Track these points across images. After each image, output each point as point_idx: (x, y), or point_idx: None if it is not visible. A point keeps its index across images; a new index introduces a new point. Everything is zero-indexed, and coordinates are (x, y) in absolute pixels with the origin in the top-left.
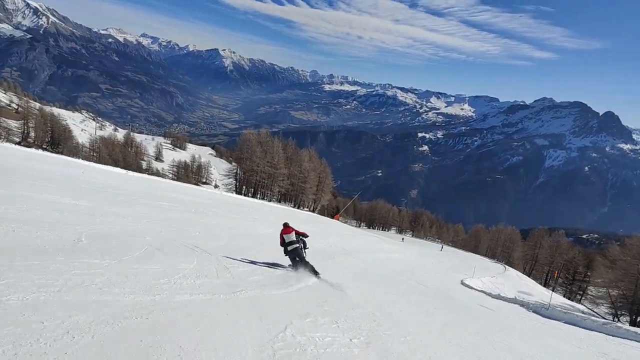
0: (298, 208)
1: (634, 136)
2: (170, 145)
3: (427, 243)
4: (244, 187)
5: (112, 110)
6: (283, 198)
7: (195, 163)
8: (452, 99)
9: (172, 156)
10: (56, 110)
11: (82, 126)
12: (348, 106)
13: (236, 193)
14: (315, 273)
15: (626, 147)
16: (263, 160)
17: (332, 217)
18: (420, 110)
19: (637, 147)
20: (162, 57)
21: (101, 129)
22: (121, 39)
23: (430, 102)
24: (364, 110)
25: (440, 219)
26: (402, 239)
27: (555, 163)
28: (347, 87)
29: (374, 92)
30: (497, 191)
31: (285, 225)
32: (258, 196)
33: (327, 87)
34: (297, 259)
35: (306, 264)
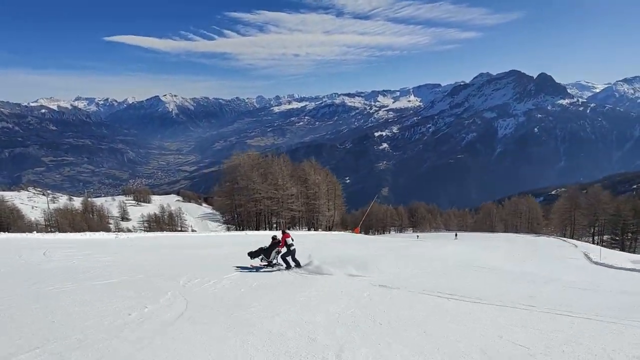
0: (314, 229)
1: (569, 90)
2: (134, 202)
3: (445, 235)
4: (240, 221)
5: (62, 181)
6: (292, 223)
7: (165, 213)
8: (398, 93)
9: (139, 212)
10: None
11: (31, 204)
12: (301, 123)
13: (237, 229)
14: (299, 266)
15: (565, 102)
16: (264, 185)
17: (353, 230)
18: (371, 111)
19: (574, 100)
20: (102, 117)
21: (54, 202)
22: (55, 107)
23: (378, 101)
24: (317, 123)
25: (436, 207)
26: (417, 236)
27: (507, 131)
28: (295, 105)
29: (322, 104)
30: (462, 170)
31: (284, 232)
32: (265, 228)
33: (276, 109)
34: (294, 256)
35: (296, 260)
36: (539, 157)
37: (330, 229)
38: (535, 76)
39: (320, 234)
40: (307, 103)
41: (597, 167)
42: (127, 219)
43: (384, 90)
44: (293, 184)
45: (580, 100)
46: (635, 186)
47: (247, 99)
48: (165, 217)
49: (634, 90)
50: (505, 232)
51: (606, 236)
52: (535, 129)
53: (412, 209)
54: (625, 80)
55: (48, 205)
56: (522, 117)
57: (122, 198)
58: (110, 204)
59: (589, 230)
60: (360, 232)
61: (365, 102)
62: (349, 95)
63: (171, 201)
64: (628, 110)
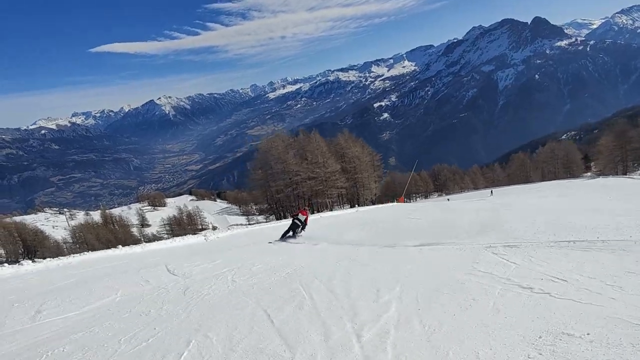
0: (358, 205)
1: (566, 30)
2: (150, 207)
3: (478, 193)
4: (280, 208)
5: (74, 198)
6: (338, 202)
7: (183, 214)
8: (391, 61)
9: (157, 217)
10: (17, 219)
11: (50, 224)
12: (298, 105)
13: (276, 219)
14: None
15: (563, 43)
16: (302, 165)
17: (397, 200)
18: (367, 83)
19: (573, 40)
20: (101, 129)
21: (72, 219)
22: (54, 127)
23: (373, 72)
24: (314, 103)
25: (457, 167)
26: (448, 199)
27: (508, 82)
28: (290, 88)
29: (317, 83)
30: (467, 128)
31: (304, 209)
32: (313, 210)
33: (271, 96)
34: (294, 229)
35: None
36: (544, 104)
37: (374, 203)
38: (529, 21)
39: (377, 208)
40: (301, 84)
41: (604, 105)
42: (147, 225)
43: (377, 60)
44: (334, 160)
45: (578, 39)
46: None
47: (242, 89)
48: (184, 217)
49: (632, 21)
50: (545, 180)
51: None
52: (536, 76)
53: (434, 173)
54: (623, 12)
55: (68, 223)
56: (521, 65)
57: (137, 205)
58: (127, 213)
59: None
60: (405, 201)
61: (360, 74)
62: (342, 70)
63: (186, 201)
64: (629, 42)
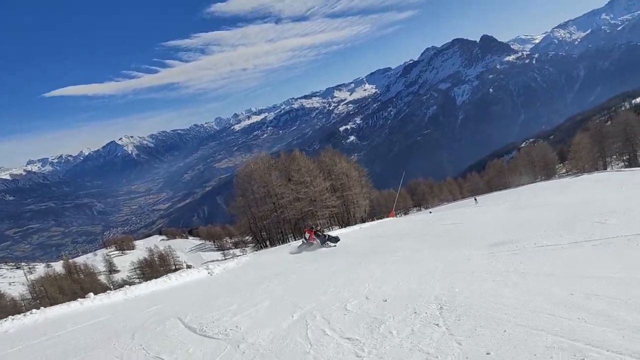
0: (351, 225)
1: (512, 46)
2: (118, 252)
3: (462, 203)
4: (267, 237)
5: (33, 251)
6: (330, 223)
7: (154, 255)
8: (352, 85)
9: (126, 261)
10: None
11: (7, 280)
12: (265, 135)
13: (260, 248)
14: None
15: (510, 58)
16: (288, 187)
17: (388, 215)
18: (331, 108)
19: (519, 54)
20: (60, 175)
21: (31, 273)
22: (7, 177)
23: (336, 97)
24: (280, 132)
25: (432, 180)
26: (430, 212)
27: (465, 98)
28: (255, 119)
29: (281, 112)
30: (431, 145)
31: (310, 228)
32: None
33: (237, 127)
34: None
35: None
36: (500, 115)
37: (364, 221)
38: (478, 40)
39: (371, 227)
40: (266, 114)
41: (555, 112)
42: (116, 271)
43: (338, 85)
44: (322, 178)
45: (524, 53)
46: (597, 121)
47: (206, 123)
48: (156, 259)
49: (569, 34)
50: (526, 184)
51: None
52: (491, 90)
53: (411, 188)
54: (560, 26)
55: (27, 278)
56: (475, 81)
57: (104, 251)
58: (93, 260)
59: (622, 158)
60: (395, 216)
61: (323, 100)
62: (305, 97)
63: (156, 242)
64: (569, 53)
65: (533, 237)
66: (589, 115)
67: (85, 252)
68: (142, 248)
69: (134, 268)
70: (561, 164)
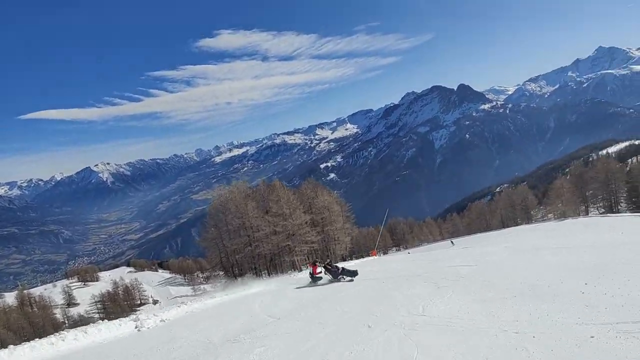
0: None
1: (487, 95)
2: (80, 283)
3: (439, 244)
4: (239, 272)
5: None
6: (310, 259)
7: (119, 288)
8: (335, 124)
9: (88, 293)
10: None
11: None
12: (245, 168)
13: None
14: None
15: (486, 107)
16: (265, 219)
17: (370, 254)
18: (312, 145)
19: (494, 103)
20: (27, 200)
21: None
22: None
23: (318, 134)
24: (261, 166)
25: (412, 220)
26: (408, 252)
27: (443, 142)
28: (236, 152)
29: (263, 146)
30: (409, 185)
31: (314, 263)
32: (276, 270)
33: (217, 159)
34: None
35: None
36: (476, 160)
37: (344, 259)
38: (455, 88)
39: (357, 265)
40: (247, 148)
41: (528, 160)
42: (75, 304)
43: (321, 123)
44: (302, 211)
45: (498, 103)
46: (567, 169)
47: (186, 154)
48: (120, 292)
49: (540, 88)
50: (508, 226)
51: (623, 204)
52: (467, 135)
53: (391, 227)
54: (531, 80)
55: None
56: (453, 126)
57: (65, 282)
58: (51, 292)
59: (602, 203)
60: (377, 255)
61: (305, 137)
62: (287, 133)
63: (122, 274)
64: (540, 105)
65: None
66: (559, 164)
67: (45, 282)
68: (107, 280)
69: (95, 302)
70: (536, 209)
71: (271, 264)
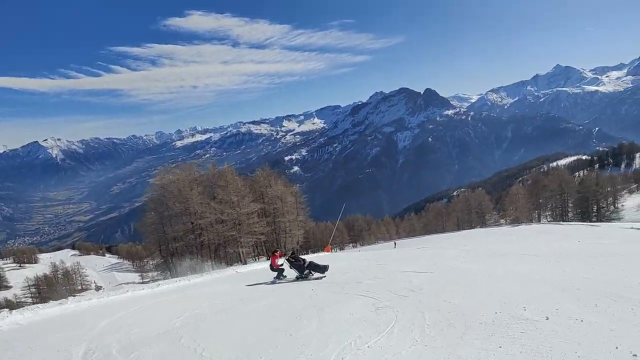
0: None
1: (451, 102)
2: (15, 264)
3: (384, 245)
4: (178, 262)
5: None
6: (255, 252)
7: (58, 272)
8: (302, 117)
9: (23, 275)
10: None
11: None
12: (207, 155)
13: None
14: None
15: (449, 112)
16: (210, 206)
17: (324, 250)
18: (278, 137)
19: (457, 110)
20: None
21: None
22: None
23: (284, 126)
24: (224, 154)
25: (371, 217)
26: (359, 250)
27: (406, 143)
28: (199, 137)
29: (228, 134)
30: (371, 183)
31: (274, 253)
32: (220, 261)
33: (178, 144)
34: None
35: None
36: (436, 163)
37: (293, 253)
38: (422, 92)
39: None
40: (211, 134)
41: (485, 167)
42: (7, 287)
43: (288, 115)
44: (251, 200)
45: (461, 110)
46: (520, 178)
47: (146, 135)
48: (60, 276)
49: (501, 98)
50: (463, 229)
51: (570, 213)
52: (429, 139)
53: (348, 223)
54: (493, 90)
55: None
56: (417, 129)
57: None
58: None
59: (552, 211)
60: (331, 251)
61: (272, 128)
62: (254, 122)
63: (65, 257)
64: (499, 115)
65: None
66: (514, 172)
67: None
68: (47, 263)
69: (28, 285)
70: (490, 214)
71: (216, 254)
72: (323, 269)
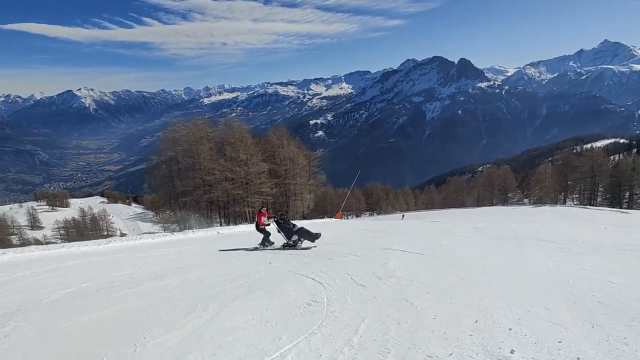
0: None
1: (486, 74)
2: (48, 207)
3: (391, 216)
4: (186, 216)
5: None
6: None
7: (87, 217)
8: (330, 81)
9: (54, 218)
10: None
11: None
12: (234, 114)
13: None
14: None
15: (483, 85)
16: (219, 162)
17: (335, 216)
18: (305, 100)
19: (491, 83)
20: (4, 115)
21: None
22: None
23: (311, 89)
24: (250, 113)
25: (390, 187)
26: (372, 219)
27: (435, 114)
28: (226, 96)
29: (255, 94)
30: (395, 153)
31: (260, 210)
32: (227, 221)
33: (206, 101)
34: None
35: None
36: (464, 137)
37: (305, 217)
38: (456, 61)
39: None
40: (238, 93)
41: (515, 144)
42: (39, 227)
43: (316, 79)
44: (260, 159)
45: (496, 83)
46: (550, 158)
47: (174, 90)
48: (87, 221)
49: (539, 73)
50: (484, 205)
51: (599, 198)
52: (459, 111)
53: (367, 191)
54: (532, 64)
55: None
56: (447, 100)
57: (32, 204)
58: (16, 212)
59: (579, 195)
60: (342, 217)
61: (299, 90)
62: (281, 84)
63: (94, 203)
64: (535, 91)
65: None
66: (544, 152)
67: (16, 201)
68: (76, 207)
69: (58, 227)
70: (513, 192)
71: (224, 212)
72: (314, 236)
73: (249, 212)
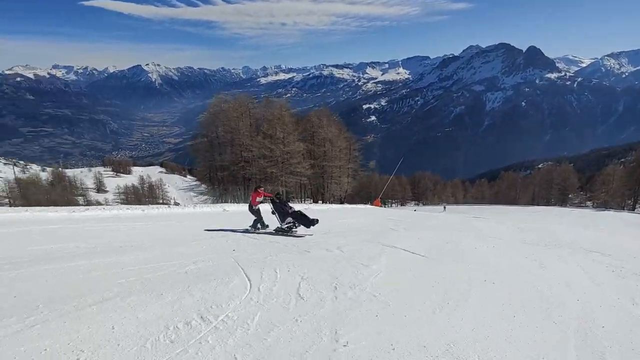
0: (321, 202)
1: (557, 64)
2: (112, 172)
3: (432, 208)
4: (223, 190)
5: (42, 153)
6: (296, 193)
7: (145, 185)
8: (387, 65)
9: (116, 183)
10: None
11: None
12: (288, 95)
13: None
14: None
15: (552, 76)
16: (257, 139)
17: (373, 203)
18: (359, 83)
19: (562, 74)
20: (81, 86)
21: (24, 172)
22: (31, 76)
23: (367, 73)
24: (304, 95)
25: (439, 177)
26: (414, 210)
27: (495, 105)
28: (282, 76)
29: (310, 75)
30: (450, 143)
31: (257, 189)
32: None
33: (262, 81)
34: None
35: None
36: (526, 131)
37: (342, 202)
38: (524, 50)
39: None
40: (294, 74)
41: (582, 141)
42: (104, 190)
43: (372, 62)
44: (297, 138)
45: (567, 74)
46: (622, 159)
47: (234, 69)
48: (145, 188)
49: (619, 65)
50: (539, 205)
51: None
52: (523, 103)
53: (414, 180)
54: (612, 55)
55: (15, 175)
56: (510, 90)
57: (100, 169)
58: (85, 175)
59: None
60: (381, 205)
61: (354, 73)
62: (337, 66)
63: (153, 172)
64: (613, 85)
65: None
66: (614, 152)
67: (89, 166)
68: (137, 175)
69: (119, 192)
70: (575, 194)
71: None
72: (309, 222)
73: (283, 191)
